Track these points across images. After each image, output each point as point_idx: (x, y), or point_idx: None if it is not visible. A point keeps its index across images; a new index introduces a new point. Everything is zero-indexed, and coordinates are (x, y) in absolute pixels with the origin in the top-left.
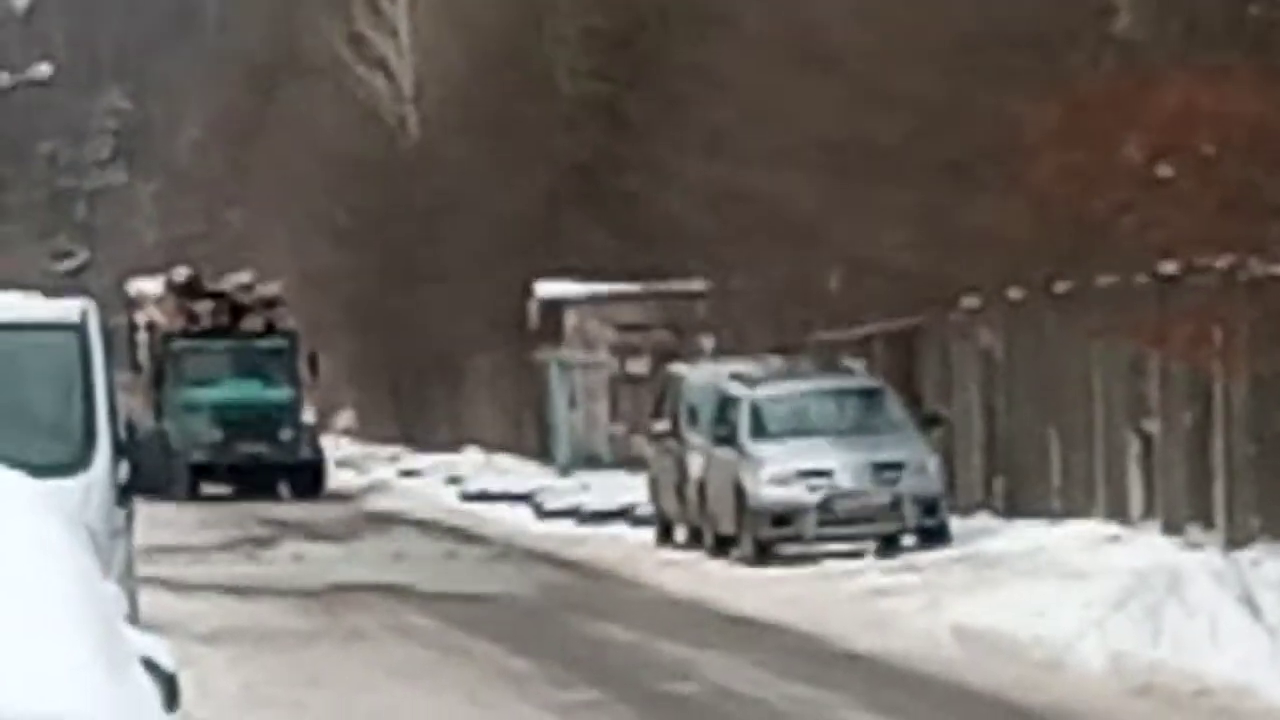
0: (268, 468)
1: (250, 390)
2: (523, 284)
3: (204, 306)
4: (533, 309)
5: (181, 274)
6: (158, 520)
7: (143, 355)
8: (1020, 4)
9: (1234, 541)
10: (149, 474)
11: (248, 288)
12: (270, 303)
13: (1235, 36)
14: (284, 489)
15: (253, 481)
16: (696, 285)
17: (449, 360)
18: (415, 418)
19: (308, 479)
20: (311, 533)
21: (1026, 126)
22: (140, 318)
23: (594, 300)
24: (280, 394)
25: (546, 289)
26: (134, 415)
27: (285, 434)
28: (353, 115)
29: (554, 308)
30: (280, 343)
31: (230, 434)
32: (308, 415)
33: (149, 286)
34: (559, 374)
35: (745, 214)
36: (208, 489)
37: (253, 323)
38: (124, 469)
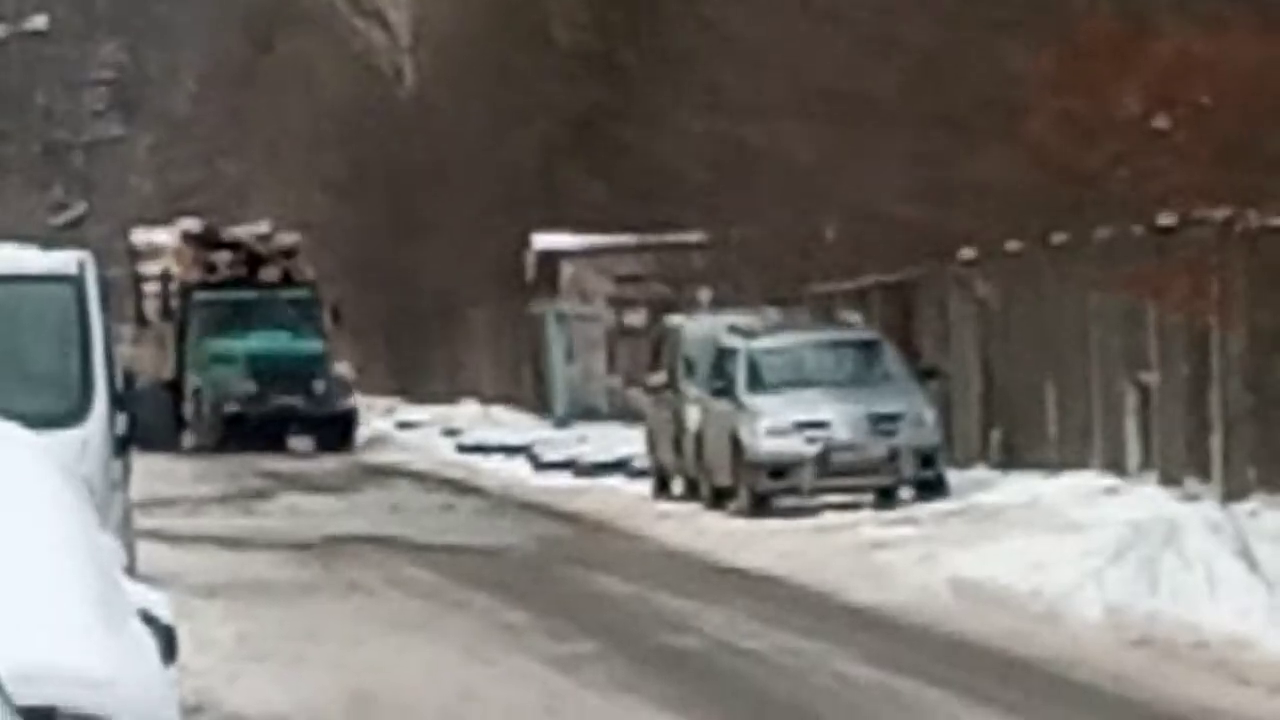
0: (302, 419)
1: (281, 341)
2: (520, 236)
3: (222, 257)
4: (529, 261)
5: (196, 224)
6: (153, 472)
7: (153, 307)
8: None
9: (1231, 493)
10: (147, 426)
11: (265, 238)
12: (288, 253)
13: None
14: (303, 443)
15: (287, 433)
16: (694, 237)
17: (446, 312)
18: (412, 370)
19: (340, 431)
20: (308, 485)
21: (1024, 77)
22: (150, 268)
23: (591, 252)
24: (312, 345)
25: (543, 241)
26: (146, 366)
27: (319, 385)
28: (349, 66)
29: (550, 259)
30: (305, 293)
31: (264, 385)
32: (339, 367)
33: (160, 237)
34: (556, 326)
35: (743, 166)
36: (238, 442)
37: (271, 273)
38: (121, 421)
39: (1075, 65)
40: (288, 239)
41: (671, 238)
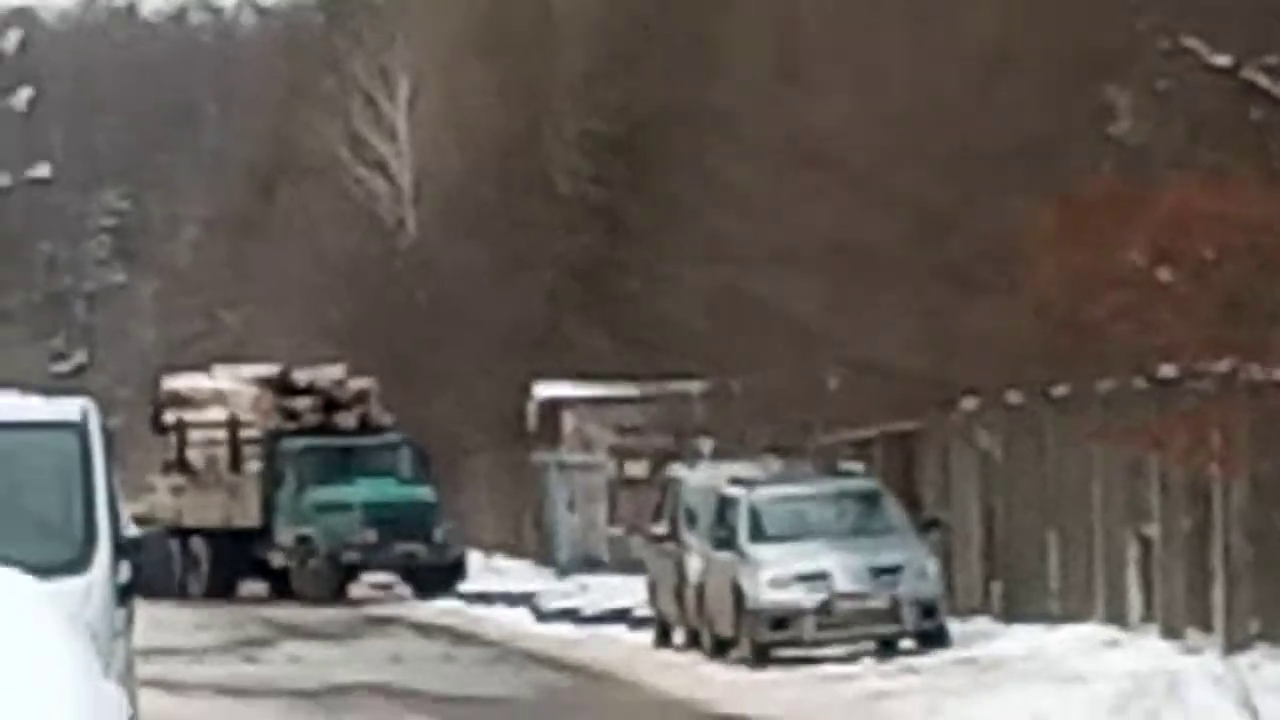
0: (422, 568)
1: (393, 489)
2: (522, 385)
3: (303, 403)
4: (531, 410)
5: (270, 369)
6: (154, 621)
7: (206, 455)
8: (1021, 106)
9: (1233, 645)
10: (150, 574)
11: (340, 383)
12: (362, 397)
13: (1236, 139)
14: (401, 589)
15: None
16: (695, 387)
17: (447, 460)
18: None
19: (454, 578)
20: (308, 633)
21: (1026, 230)
22: (200, 415)
23: (593, 402)
24: (426, 492)
25: (545, 390)
26: (206, 516)
27: (438, 533)
28: (351, 216)
29: (553, 409)
30: (397, 438)
31: (384, 534)
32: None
33: (212, 382)
34: (558, 476)
35: (744, 316)
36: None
37: (347, 419)
38: (124, 569)
39: (1077, 218)
40: (362, 383)
41: (673, 387)
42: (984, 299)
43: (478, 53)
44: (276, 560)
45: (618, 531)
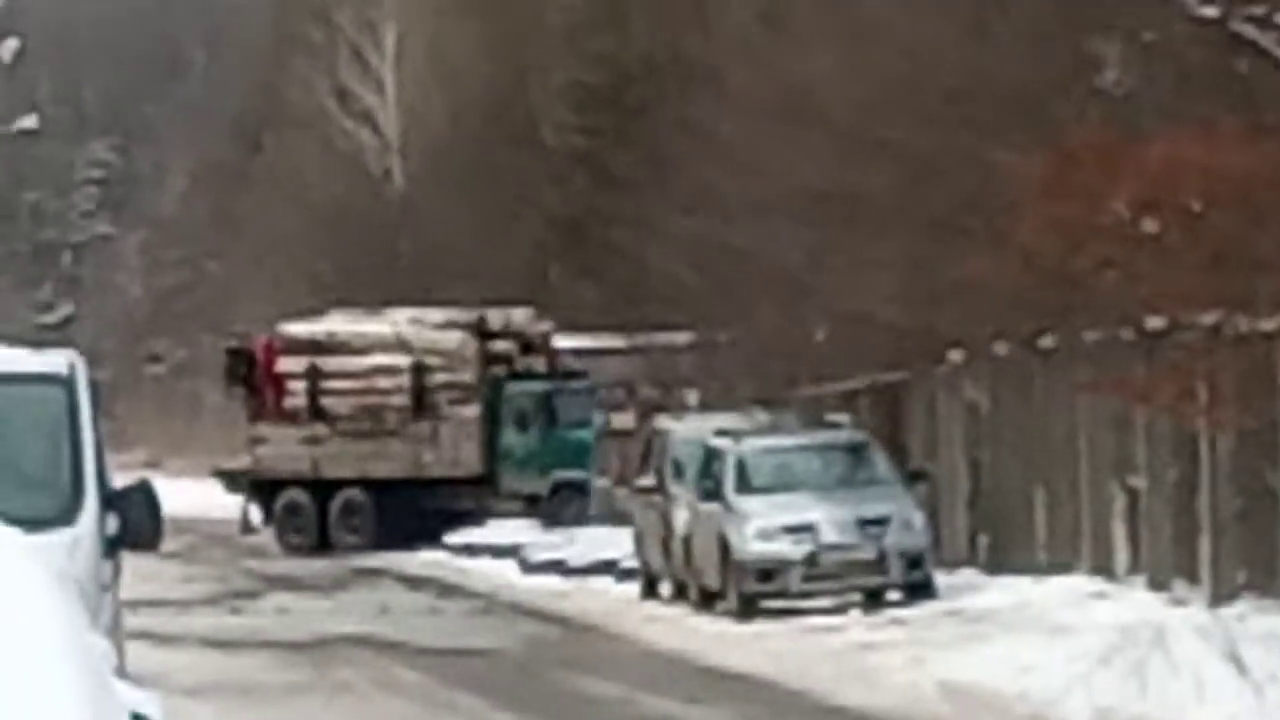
0: None
1: None
2: None
3: (504, 346)
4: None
5: (466, 314)
6: (141, 573)
7: (360, 402)
8: (1008, 57)
9: (1219, 597)
10: (137, 527)
11: (529, 325)
12: (546, 339)
13: (1222, 90)
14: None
15: None
16: (682, 339)
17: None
18: None
19: None
20: (296, 585)
21: (1013, 180)
22: (363, 360)
23: (579, 354)
24: None
25: None
26: (363, 466)
27: None
28: (338, 167)
29: None
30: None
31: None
32: None
33: (405, 328)
34: None
35: (731, 268)
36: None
37: (538, 362)
38: (112, 522)
39: (1064, 169)
40: (544, 326)
41: (660, 339)
42: (971, 250)
43: (464, 4)
44: (502, 508)
45: (604, 483)
